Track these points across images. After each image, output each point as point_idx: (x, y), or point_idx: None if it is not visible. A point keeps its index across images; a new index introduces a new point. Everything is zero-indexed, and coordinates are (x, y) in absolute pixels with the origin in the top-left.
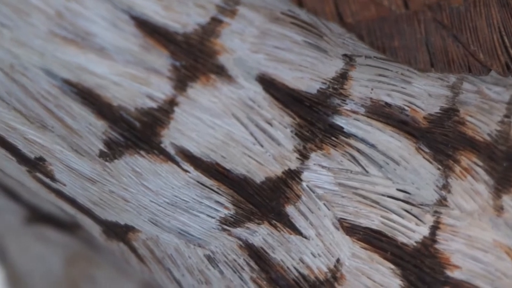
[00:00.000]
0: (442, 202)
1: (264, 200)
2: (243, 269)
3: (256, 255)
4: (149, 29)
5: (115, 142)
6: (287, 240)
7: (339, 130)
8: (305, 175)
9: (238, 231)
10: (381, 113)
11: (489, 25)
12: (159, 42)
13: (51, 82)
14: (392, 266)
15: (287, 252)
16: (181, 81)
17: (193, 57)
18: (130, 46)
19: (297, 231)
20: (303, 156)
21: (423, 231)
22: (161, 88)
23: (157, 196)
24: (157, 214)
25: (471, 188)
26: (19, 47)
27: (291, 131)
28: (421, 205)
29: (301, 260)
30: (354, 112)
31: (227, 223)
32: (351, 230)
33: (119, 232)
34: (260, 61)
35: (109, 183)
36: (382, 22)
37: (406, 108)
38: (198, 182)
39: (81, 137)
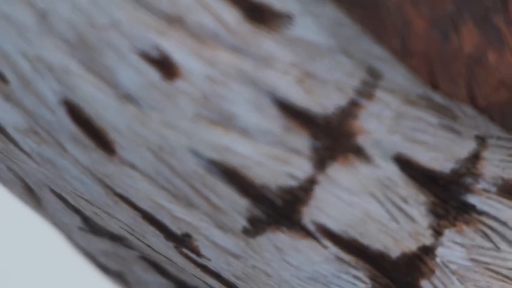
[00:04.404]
0: None
1: (400, 274)
2: None
3: None
4: (290, 111)
5: (257, 219)
6: None
7: (472, 208)
8: (439, 251)
9: None
10: None
11: None
12: (300, 124)
13: (197, 162)
14: None
15: None
16: (321, 161)
17: (333, 138)
18: (273, 127)
19: None
20: (437, 232)
21: None
22: (301, 168)
23: (298, 271)
24: None
25: None
26: (167, 128)
27: (426, 209)
28: None
29: None
30: (486, 190)
31: None
32: None
33: None
34: (396, 142)
35: (252, 258)
36: None
37: None
38: (337, 257)
39: (225, 214)
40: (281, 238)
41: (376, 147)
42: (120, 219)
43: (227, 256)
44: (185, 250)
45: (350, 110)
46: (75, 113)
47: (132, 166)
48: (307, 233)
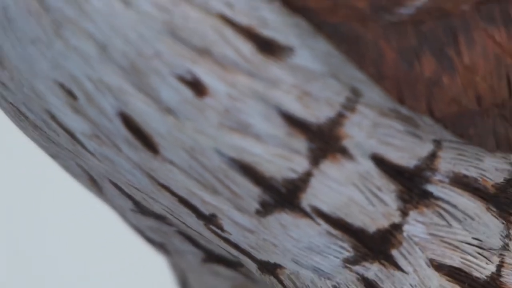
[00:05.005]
0: (505, 247)
1: (375, 245)
2: None
3: (370, 285)
4: (292, 121)
5: (267, 203)
6: (392, 275)
7: (430, 194)
8: (405, 227)
9: (356, 268)
10: (460, 182)
11: None
12: (300, 131)
13: (221, 160)
14: None
15: (392, 284)
16: (315, 159)
17: (324, 141)
18: (278, 133)
19: (400, 268)
20: (404, 213)
21: (491, 268)
22: (300, 164)
23: (298, 242)
24: (297, 255)
25: None
26: (198, 134)
27: (395, 195)
28: (490, 249)
29: None
30: (441, 181)
31: (348, 262)
32: (439, 267)
33: (270, 268)
34: (372, 145)
35: (263, 233)
36: (462, 116)
37: (479, 178)
38: (327, 232)
39: (242, 199)
40: (285, 217)
41: (357, 148)
42: (162, 203)
43: (244, 231)
44: (212, 227)
45: (337, 120)
46: (128, 122)
47: (172, 163)
48: (305, 214)
